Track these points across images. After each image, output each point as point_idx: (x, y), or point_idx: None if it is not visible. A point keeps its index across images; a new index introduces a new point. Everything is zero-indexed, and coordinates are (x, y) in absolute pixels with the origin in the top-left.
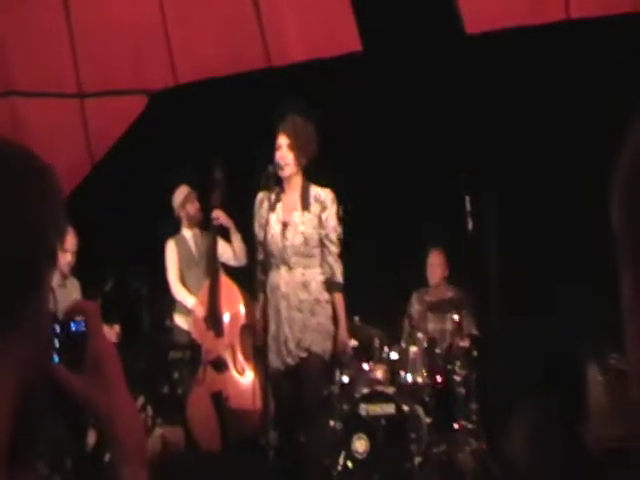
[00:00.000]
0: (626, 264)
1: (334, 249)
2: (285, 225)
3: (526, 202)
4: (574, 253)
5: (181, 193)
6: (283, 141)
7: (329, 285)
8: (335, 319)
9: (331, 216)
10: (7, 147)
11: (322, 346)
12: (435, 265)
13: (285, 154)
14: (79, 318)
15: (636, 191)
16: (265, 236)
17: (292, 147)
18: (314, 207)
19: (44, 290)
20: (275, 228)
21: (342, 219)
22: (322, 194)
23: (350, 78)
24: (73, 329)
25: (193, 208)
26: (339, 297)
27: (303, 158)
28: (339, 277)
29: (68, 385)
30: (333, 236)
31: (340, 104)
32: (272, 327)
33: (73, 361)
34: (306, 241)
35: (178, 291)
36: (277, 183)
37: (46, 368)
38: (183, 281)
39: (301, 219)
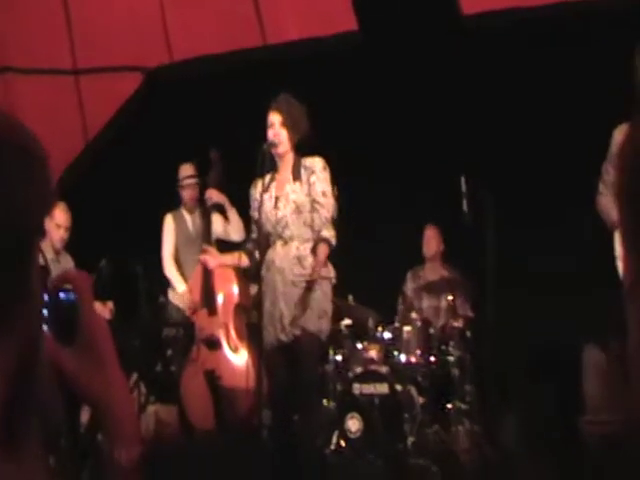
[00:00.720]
0: (628, 251)
1: (324, 212)
2: (277, 199)
3: (523, 186)
4: (571, 237)
5: (183, 172)
6: (275, 119)
7: (316, 243)
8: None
9: (319, 180)
10: None
11: (316, 324)
12: (430, 237)
13: (278, 131)
14: (69, 287)
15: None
16: (260, 216)
17: (284, 124)
18: (304, 175)
19: (33, 271)
20: (267, 205)
21: (337, 198)
22: (312, 162)
23: (346, 57)
24: (62, 298)
25: (188, 195)
26: (323, 246)
27: (295, 135)
28: (326, 234)
29: (58, 360)
30: (322, 200)
31: (336, 83)
32: (267, 303)
33: (63, 332)
34: (298, 209)
35: (171, 273)
36: (272, 162)
37: (39, 353)
38: (178, 259)
39: (292, 189)
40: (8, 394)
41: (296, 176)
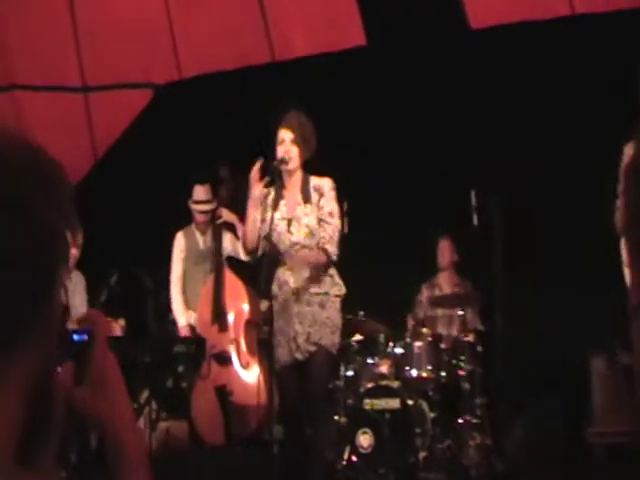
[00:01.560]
0: (633, 262)
1: (329, 230)
2: (290, 221)
3: (532, 198)
4: (580, 250)
5: (198, 195)
6: (286, 135)
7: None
8: None
9: (327, 202)
10: (8, 144)
11: (330, 339)
12: (444, 247)
13: (289, 148)
14: (81, 329)
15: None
16: (270, 235)
17: (295, 141)
18: (314, 197)
19: (56, 297)
20: (280, 226)
21: (346, 213)
22: (320, 183)
23: (355, 73)
24: (75, 340)
25: (201, 218)
26: (320, 253)
27: (306, 152)
28: (328, 247)
29: (72, 396)
30: (329, 219)
31: (344, 98)
32: (280, 322)
33: (75, 371)
34: (311, 232)
35: (175, 304)
36: (279, 178)
37: (54, 371)
38: (187, 276)
39: (304, 212)
40: (26, 414)
41: (306, 197)
